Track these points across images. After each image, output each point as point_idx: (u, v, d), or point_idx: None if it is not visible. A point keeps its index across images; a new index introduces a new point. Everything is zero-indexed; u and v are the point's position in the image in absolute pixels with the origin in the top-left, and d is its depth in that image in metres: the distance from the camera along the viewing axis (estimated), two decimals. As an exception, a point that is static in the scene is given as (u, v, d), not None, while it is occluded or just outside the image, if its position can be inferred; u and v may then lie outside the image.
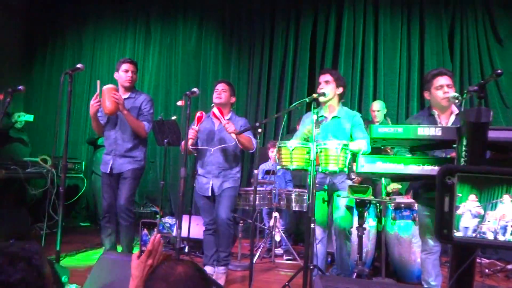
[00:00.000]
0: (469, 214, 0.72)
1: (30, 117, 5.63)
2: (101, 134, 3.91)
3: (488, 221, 0.71)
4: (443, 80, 2.86)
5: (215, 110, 3.49)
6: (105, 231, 3.78)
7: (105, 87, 3.55)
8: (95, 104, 3.57)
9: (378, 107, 5.26)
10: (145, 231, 1.54)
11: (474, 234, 0.72)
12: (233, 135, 3.40)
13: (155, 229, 1.53)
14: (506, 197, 0.71)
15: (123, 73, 3.76)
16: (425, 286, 2.88)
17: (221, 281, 3.55)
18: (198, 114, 3.51)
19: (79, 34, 7.26)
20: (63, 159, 3.12)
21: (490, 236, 0.72)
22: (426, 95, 3.00)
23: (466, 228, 0.73)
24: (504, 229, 0.71)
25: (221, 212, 3.53)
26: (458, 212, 0.72)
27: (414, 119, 3.10)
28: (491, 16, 5.62)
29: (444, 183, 0.72)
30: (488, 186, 0.71)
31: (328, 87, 3.34)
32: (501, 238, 0.71)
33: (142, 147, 3.86)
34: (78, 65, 3.23)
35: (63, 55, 7.28)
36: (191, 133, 3.43)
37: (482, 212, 0.72)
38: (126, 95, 3.81)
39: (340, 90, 3.40)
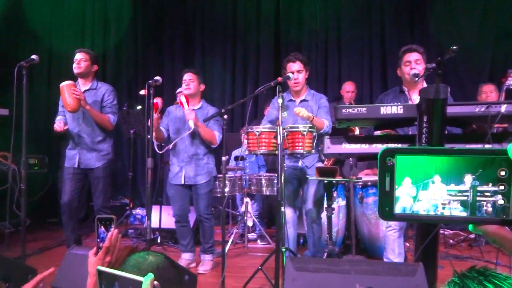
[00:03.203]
0: (404, 195, 0.76)
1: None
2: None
3: (420, 200, 0.76)
4: (411, 56, 2.91)
5: (182, 98, 3.46)
6: (67, 226, 3.70)
7: (63, 84, 3.44)
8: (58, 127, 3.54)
9: (351, 88, 5.32)
10: (102, 227, 1.49)
11: (409, 213, 0.77)
12: (191, 123, 3.35)
13: (112, 225, 1.48)
14: (436, 177, 0.75)
15: (74, 63, 3.67)
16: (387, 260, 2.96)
17: (209, 266, 3.68)
18: (154, 101, 3.39)
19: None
20: (23, 154, 3.01)
21: (424, 214, 0.77)
22: (398, 71, 3.05)
23: (404, 208, 0.77)
24: (436, 207, 0.76)
25: (200, 209, 3.63)
26: (396, 193, 0.76)
27: (385, 95, 3.15)
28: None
29: (385, 164, 0.75)
30: (421, 167, 0.75)
31: (301, 75, 3.33)
32: (432, 214, 0.76)
33: (109, 140, 3.79)
34: (33, 56, 3.09)
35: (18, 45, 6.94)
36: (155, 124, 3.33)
37: (414, 193, 0.76)
38: (86, 86, 3.69)
39: (308, 73, 3.42)
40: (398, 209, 0.76)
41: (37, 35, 6.68)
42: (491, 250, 3.94)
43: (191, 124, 3.37)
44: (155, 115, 3.34)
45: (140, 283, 0.99)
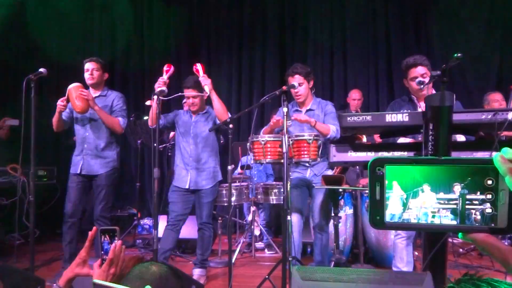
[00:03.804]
0: (394, 204, 0.77)
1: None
2: (58, 130, 3.75)
3: (411, 208, 0.76)
4: (416, 71, 2.91)
5: (198, 66, 3.43)
6: (65, 238, 3.63)
7: (70, 86, 3.46)
8: (60, 104, 3.48)
9: (358, 96, 5.32)
10: (107, 238, 1.50)
11: (399, 221, 0.78)
12: (207, 88, 3.35)
13: (116, 236, 1.49)
14: (425, 186, 0.76)
15: (85, 73, 3.69)
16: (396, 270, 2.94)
17: (201, 281, 3.53)
18: (165, 67, 3.35)
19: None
20: (32, 166, 3.04)
21: (414, 222, 0.78)
22: (405, 82, 3.05)
23: (393, 215, 0.77)
24: (426, 215, 0.76)
25: (201, 217, 3.60)
26: (386, 202, 0.77)
27: (394, 103, 3.15)
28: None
29: (375, 174, 0.76)
30: (410, 176, 0.76)
31: (302, 88, 3.34)
32: (423, 222, 0.77)
33: (115, 147, 3.77)
34: (41, 69, 3.14)
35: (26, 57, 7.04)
36: (160, 81, 3.21)
37: (404, 201, 0.77)
38: (97, 94, 3.73)
39: (311, 83, 3.43)
40: (388, 217, 0.77)
41: (45, 46, 6.79)
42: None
43: (206, 89, 3.36)
44: (165, 78, 3.25)
45: None
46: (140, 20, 6.83)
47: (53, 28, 6.76)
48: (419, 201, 0.75)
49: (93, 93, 3.71)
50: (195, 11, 6.67)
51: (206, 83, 3.34)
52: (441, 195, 0.75)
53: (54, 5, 6.69)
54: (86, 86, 3.69)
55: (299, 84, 3.31)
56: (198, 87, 3.54)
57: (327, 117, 3.40)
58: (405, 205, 0.75)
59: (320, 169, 3.40)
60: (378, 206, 0.76)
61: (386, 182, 0.75)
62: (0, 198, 4.59)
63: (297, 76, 3.33)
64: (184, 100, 4.12)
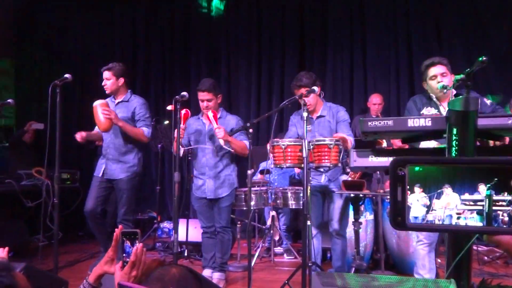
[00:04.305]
0: (417, 205, 0.75)
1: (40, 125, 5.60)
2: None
3: (435, 210, 0.74)
4: (435, 70, 2.86)
5: (209, 114, 3.44)
6: (96, 232, 3.86)
7: (95, 103, 3.54)
8: (78, 138, 3.68)
9: (379, 100, 5.26)
10: (128, 241, 1.52)
11: (422, 223, 0.76)
12: (221, 141, 3.34)
13: (137, 239, 1.51)
14: (447, 186, 0.74)
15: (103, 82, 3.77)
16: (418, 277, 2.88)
17: (220, 285, 3.54)
18: (183, 112, 3.39)
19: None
20: (56, 170, 3.11)
21: (438, 223, 0.76)
22: (424, 85, 3.01)
23: (416, 217, 0.76)
24: (450, 216, 0.74)
25: (219, 221, 3.59)
26: (408, 203, 0.76)
27: (413, 100, 3.08)
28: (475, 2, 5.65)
29: (396, 174, 0.75)
30: (432, 178, 0.74)
31: (310, 97, 3.23)
32: (447, 224, 0.75)
33: (137, 152, 3.81)
34: (66, 75, 3.22)
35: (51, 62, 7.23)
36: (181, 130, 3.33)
37: (428, 202, 0.75)
38: (119, 99, 3.80)
39: (319, 90, 3.35)
40: (410, 218, 0.75)
41: (71, 53, 6.97)
42: (528, 267, 3.78)
43: (221, 142, 3.36)
44: (182, 126, 3.35)
45: None
46: (160, 25, 6.93)
47: (77, 34, 6.94)
48: (442, 202, 0.73)
49: (116, 98, 3.79)
50: (215, 17, 6.72)
51: (220, 135, 3.32)
52: (466, 196, 0.73)
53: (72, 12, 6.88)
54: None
55: (305, 96, 3.24)
56: (214, 90, 3.53)
57: (340, 125, 3.32)
58: (428, 206, 0.74)
59: (334, 175, 3.37)
60: (399, 207, 0.75)
61: (408, 182, 0.74)
62: (25, 201, 4.70)
63: (302, 89, 3.22)
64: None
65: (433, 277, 2.88)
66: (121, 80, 3.79)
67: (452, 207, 0.74)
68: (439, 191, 0.74)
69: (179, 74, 6.80)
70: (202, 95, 3.54)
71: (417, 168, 0.75)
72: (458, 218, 0.75)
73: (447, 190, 0.74)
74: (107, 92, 3.79)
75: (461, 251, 2.13)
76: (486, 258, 4.15)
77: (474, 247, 3.87)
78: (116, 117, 3.56)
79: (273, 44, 6.41)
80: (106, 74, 3.76)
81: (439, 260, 3.64)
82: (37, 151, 5.64)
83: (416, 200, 0.75)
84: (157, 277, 1.25)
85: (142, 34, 6.95)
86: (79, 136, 3.65)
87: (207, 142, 3.61)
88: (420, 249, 2.88)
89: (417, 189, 0.75)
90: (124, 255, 1.51)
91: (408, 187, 0.76)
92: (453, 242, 2.24)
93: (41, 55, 7.12)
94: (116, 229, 1.54)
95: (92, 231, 3.88)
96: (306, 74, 3.34)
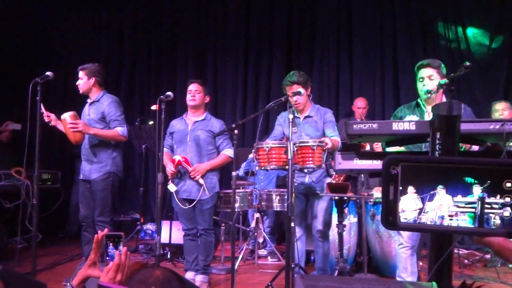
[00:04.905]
0: (409, 205, 0.74)
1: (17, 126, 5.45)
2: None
3: (427, 211, 0.74)
4: (424, 72, 2.84)
5: (179, 159, 3.46)
6: (83, 239, 3.74)
7: (63, 116, 3.46)
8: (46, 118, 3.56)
9: (363, 104, 5.29)
10: (111, 245, 1.50)
11: (414, 223, 0.75)
12: (201, 181, 3.44)
13: (121, 242, 1.48)
14: (441, 187, 0.73)
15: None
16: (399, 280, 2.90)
17: None
18: (177, 159, 3.45)
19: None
20: (36, 169, 3.04)
21: (429, 224, 0.75)
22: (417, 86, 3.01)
23: (408, 217, 0.75)
24: (442, 218, 0.74)
25: (200, 223, 3.54)
26: (400, 202, 0.74)
27: (403, 108, 3.10)
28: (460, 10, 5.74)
29: (389, 173, 0.74)
30: (425, 178, 0.73)
31: (301, 98, 3.30)
32: (438, 225, 0.74)
33: (112, 151, 3.69)
34: (48, 73, 3.15)
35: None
36: (169, 172, 3.47)
37: (421, 204, 0.74)
38: (92, 99, 3.75)
39: (309, 90, 3.42)
40: (402, 218, 0.74)
41: (53, 51, 6.84)
42: (507, 271, 3.83)
43: (201, 181, 3.44)
44: (173, 168, 3.47)
45: None
46: (147, 25, 6.86)
47: (61, 32, 6.82)
48: (435, 204, 0.72)
49: (90, 99, 3.75)
50: (203, 17, 6.69)
51: (197, 175, 3.43)
52: (459, 198, 0.72)
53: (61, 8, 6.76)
54: None
55: (297, 93, 3.28)
56: (203, 85, 3.63)
57: (327, 126, 3.37)
58: (421, 208, 0.73)
59: (318, 176, 3.38)
60: (391, 206, 0.73)
61: (400, 181, 0.73)
62: (3, 201, 4.58)
63: (295, 86, 3.30)
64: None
65: (415, 280, 2.90)
66: (92, 80, 3.71)
67: (444, 208, 0.73)
68: (432, 192, 0.73)
69: (166, 75, 6.75)
70: (192, 86, 3.59)
71: (410, 166, 0.73)
72: (450, 219, 0.74)
73: (441, 192, 0.73)
74: (80, 91, 3.75)
75: (442, 254, 2.15)
76: (466, 261, 4.21)
77: (456, 251, 3.92)
78: (85, 127, 3.47)
79: (260, 47, 6.41)
80: (80, 73, 3.72)
81: (420, 263, 3.68)
82: (14, 151, 5.53)
83: (410, 203, 0.74)
84: (140, 279, 1.23)
85: (128, 34, 6.87)
86: (47, 116, 3.52)
87: (189, 142, 3.56)
88: (401, 252, 2.89)
89: (410, 189, 0.74)
90: (107, 258, 1.49)
91: (400, 187, 0.74)
92: (435, 246, 2.26)
93: (23, 54, 6.97)
94: (99, 231, 1.52)
95: (81, 234, 3.78)
96: (299, 72, 3.40)
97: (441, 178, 0.74)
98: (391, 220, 0.75)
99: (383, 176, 0.75)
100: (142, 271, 1.28)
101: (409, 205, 0.75)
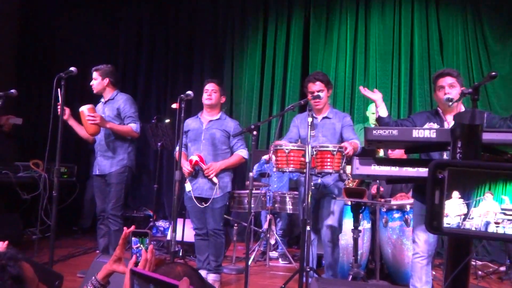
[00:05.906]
0: (454, 210, 0.74)
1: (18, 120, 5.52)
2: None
3: (472, 217, 0.73)
4: (444, 81, 2.84)
5: (195, 158, 3.49)
6: (99, 232, 3.84)
7: (81, 108, 3.56)
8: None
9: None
10: (137, 241, 1.54)
11: (458, 228, 0.75)
12: (215, 179, 3.47)
13: (148, 239, 1.53)
14: (488, 194, 0.73)
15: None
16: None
17: (216, 287, 3.52)
18: (194, 159, 3.49)
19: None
20: (56, 163, 3.09)
21: (474, 230, 0.75)
22: (435, 96, 3.01)
23: (453, 223, 0.75)
24: (487, 224, 0.73)
25: (211, 223, 3.54)
26: (445, 207, 0.74)
27: (420, 113, 3.09)
28: (480, 18, 5.69)
29: (435, 177, 0.74)
30: (472, 183, 0.73)
31: (321, 94, 3.36)
32: (483, 231, 0.74)
33: (127, 146, 3.79)
34: (72, 68, 3.21)
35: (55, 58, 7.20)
36: (185, 172, 3.50)
37: (465, 210, 0.74)
38: (107, 98, 3.84)
39: (330, 92, 3.46)
40: (446, 223, 0.74)
41: (73, 49, 6.94)
42: (523, 284, 3.78)
43: (215, 180, 3.47)
44: (190, 168, 3.50)
45: (175, 286, 0.99)
46: (165, 24, 6.93)
47: (81, 31, 6.92)
48: (481, 209, 0.72)
49: (104, 98, 3.85)
50: (220, 17, 6.73)
51: (211, 173, 3.46)
52: (507, 205, 0.72)
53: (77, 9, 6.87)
54: None
55: (318, 91, 3.34)
56: (221, 85, 3.68)
57: (346, 129, 3.38)
58: (465, 213, 0.73)
59: (330, 180, 3.38)
60: (436, 210, 0.73)
61: (447, 186, 0.73)
62: (21, 193, 4.67)
63: (318, 83, 3.36)
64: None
65: None
66: (106, 80, 3.82)
67: (490, 215, 0.73)
68: (478, 198, 0.73)
69: (182, 74, 6.80)
70: (209, 85, 3.63)
71: (458, 172, 0.73)
72: (497, 226, 0.74)
73: (488, 198, 0.73)
74: (94, 91, 3.86)
75: (459, 264, 2.14)
76: (480, 272, 4.16)
77: (472, 262, 3.87)
78: (102, 120, 3.56)
79: (277, 51, 6.41)
80: (94, 74, 3.83)
81: (433, 273, 3.65)
82: (15, 143, 5.64)
83: (455, 208, 0.74)
84: (162, 274, 1.25)
85: (147, 33, 6.94)
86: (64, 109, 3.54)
87: (204, 140, 3.59)
88: (417, 262, 2.86)
89: (455, 194, 0.74)
90: (136, 254, 1.53)
91: (446, 192, 0.75)
92: (452, 256, 2.24)
93: (43, 51, 7.08)
94: (125, 228, 1.56)
95: (97, 228, 3.88)
96: (323, 72, 3.53)
97: (489, 184, 0.73)
98: (436, 225, 0.75)
99: (428, 180, 0.75)
100: (163, 266, 1.31)
101: (452, 210, 0.75)
